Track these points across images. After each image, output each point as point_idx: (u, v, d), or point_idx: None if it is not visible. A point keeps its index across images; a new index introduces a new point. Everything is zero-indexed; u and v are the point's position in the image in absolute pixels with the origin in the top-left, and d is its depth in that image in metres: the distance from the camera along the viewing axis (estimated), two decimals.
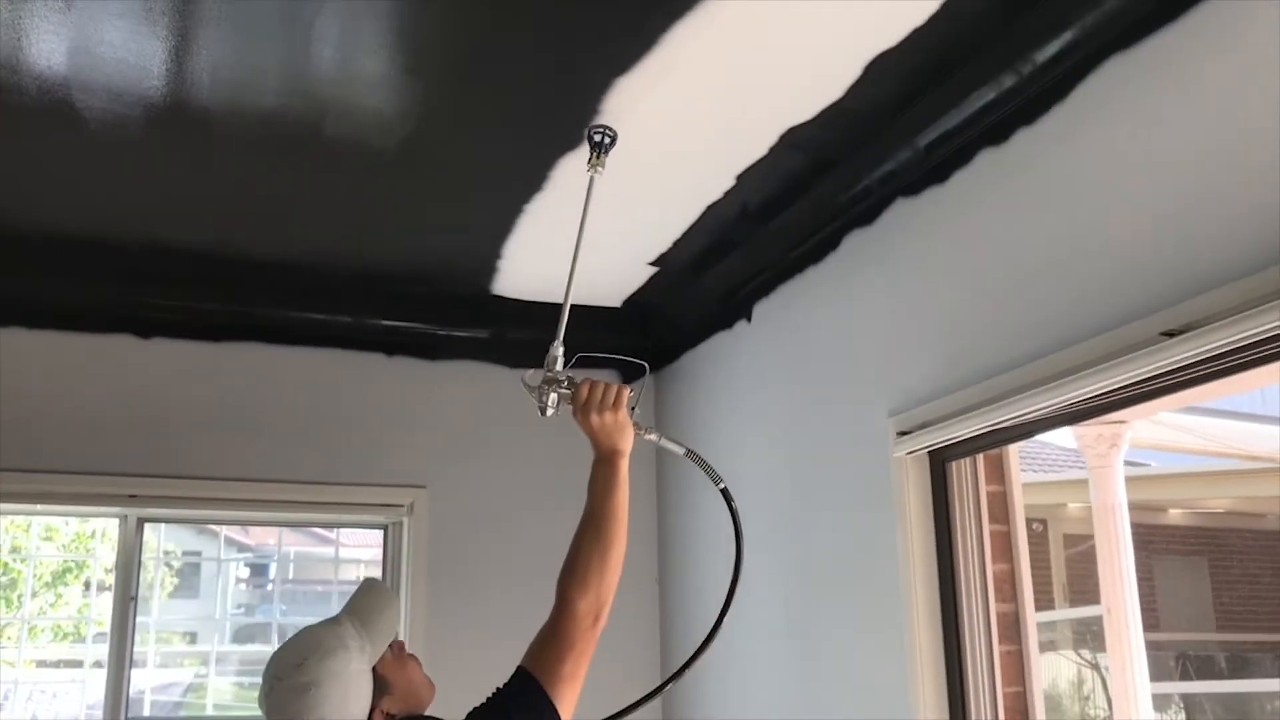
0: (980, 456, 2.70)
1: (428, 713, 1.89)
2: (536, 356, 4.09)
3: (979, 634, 2.63)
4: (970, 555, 2.67)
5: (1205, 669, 9.78)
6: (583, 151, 2.75)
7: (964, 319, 2.57)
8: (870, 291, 2.94)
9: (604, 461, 2.03)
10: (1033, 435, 2.54)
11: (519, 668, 1.84)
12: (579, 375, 2.17)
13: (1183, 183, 2.00)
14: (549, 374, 2.13)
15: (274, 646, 1.95)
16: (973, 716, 2.59)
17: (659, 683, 2.37)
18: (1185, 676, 9.52)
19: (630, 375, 3.87)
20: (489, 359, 4.05)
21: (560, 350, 2.18)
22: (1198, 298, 1.93)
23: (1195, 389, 2.14)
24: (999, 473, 2.76)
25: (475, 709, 1.81)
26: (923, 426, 2.64)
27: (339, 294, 3.77)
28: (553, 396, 2.12)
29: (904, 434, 2.71)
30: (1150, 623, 9.92)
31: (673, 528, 4.07)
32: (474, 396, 4.02)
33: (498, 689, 1.83)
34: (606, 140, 2.54)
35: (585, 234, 2.52)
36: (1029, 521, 10.29)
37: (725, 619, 2.18)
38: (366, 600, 1.87)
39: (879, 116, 2.59)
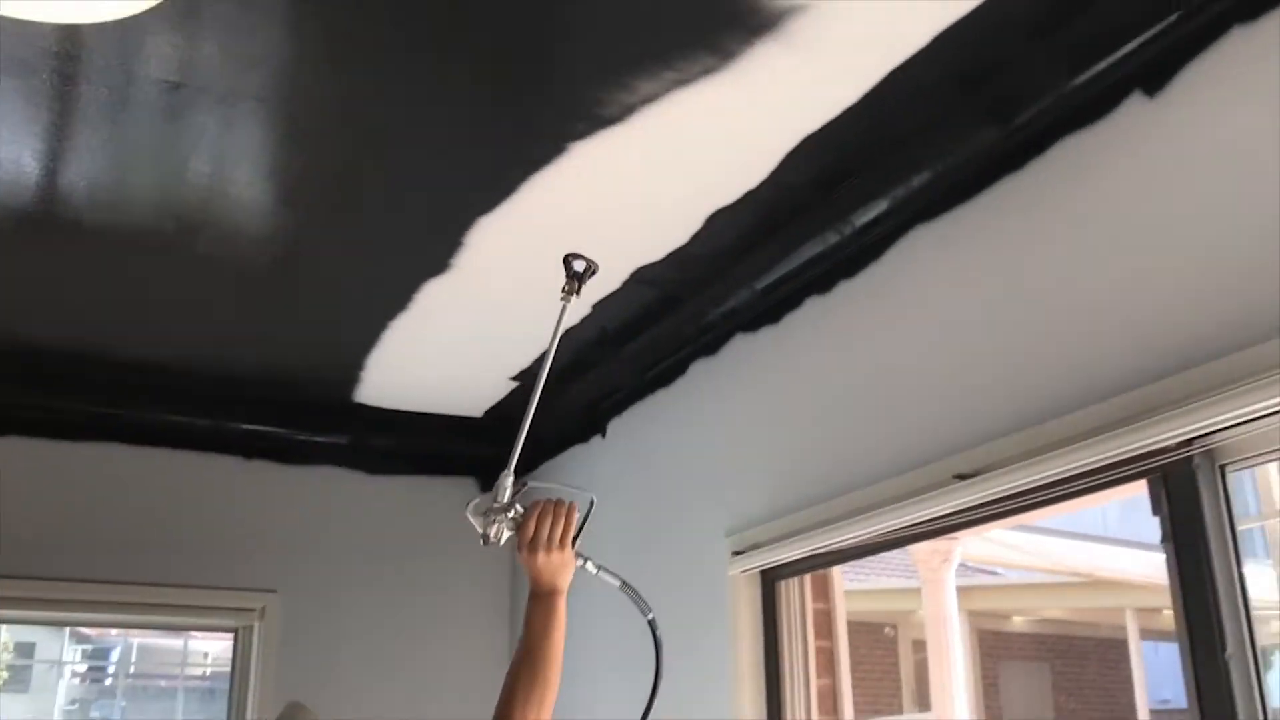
0: (807, 576, 2.90)
1: None
2: (394, 463, 4.23)
3: None
4: (796, 669, 2.86)
5: None
6: (445, 279, 2.94)
7: (791, 449, 2.80)
8: (712, 417, 3.16)
9: (542, 599, 1.83)
10: (853, 559, 2.76)
11: None
12: (522, 505, 1.94)
13: (974, 339, 2.27)
14: (496, 504, 1.88)
15: None
16: None
17: None
18: None
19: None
20: (348, 465, 4.14)
21: (510, 480, 1.89)
22: (986, 445, 2.18)
23: (991, 524, 2.40)
24: (824, 591, 2.97)
25: None
26: (755, 547, 2.84)
27: (200, 397, 3.81)
28: (496, 527, 1.87)
29: (738, 553, 2.90)
30: None
31: None
32: (331, 502, 4.08)
33: None
34: (591, 270, 2.30)
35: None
36: (881, 625, 10.47)
37: None
38: None
39: (720, 261, 2.83)
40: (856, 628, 9.26)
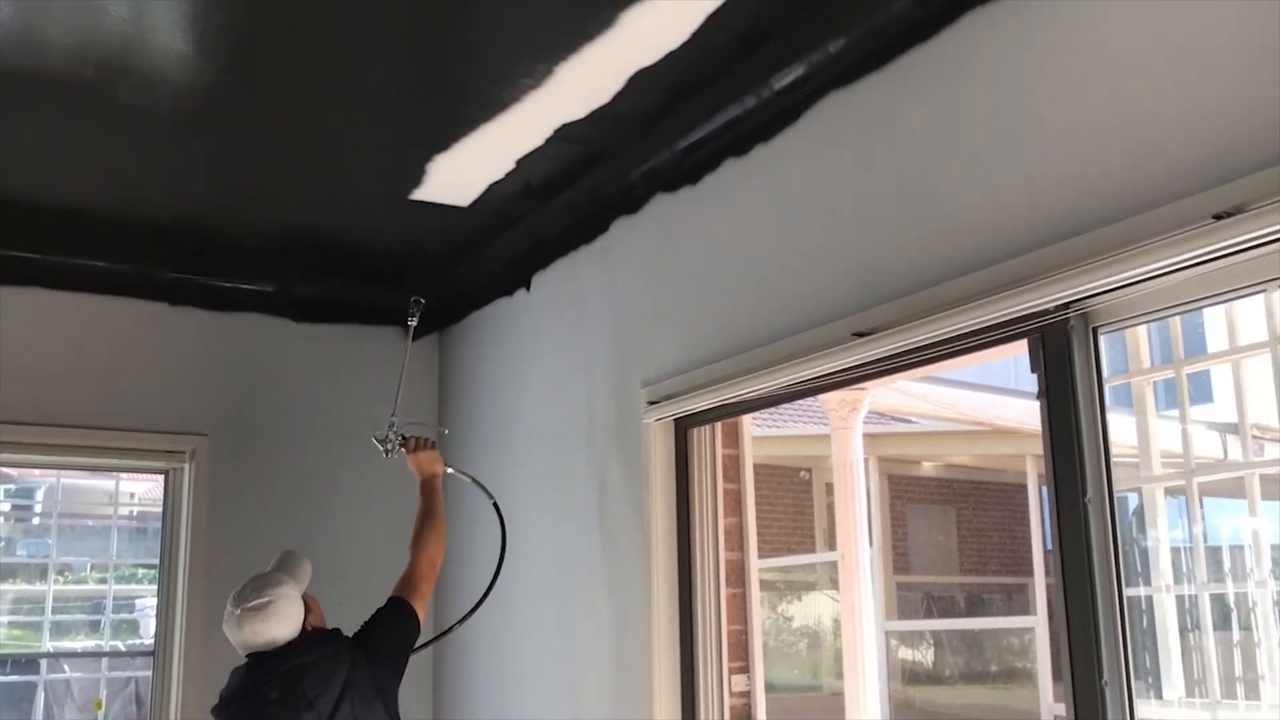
0: (718, 423, 3.07)
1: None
2: (319, 312, 4.28)
3: (709, 579, 3.02)
4: (705, 510, 3.05)
5: (948, 608, 10.80)
6: None
7: (704, 306, 2.93)
8: (631, 273, 3.26)
9: (427, 481, 3.05)
10: (760, 409, 2.93)
11: (391, 597, 2.72)
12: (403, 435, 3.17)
13: (877, 206, 2.38)
14: (390, 434, 3.16)
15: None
16: (699, 652, 2.99)
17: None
18: (929, 614, 10.48)
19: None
20: (274, 313, 4.18)
21: (395, 420, 3.18)
22: (884, 305, 2.32)
23: (886, 377, 2.57)
24: (734, 437, 3.15)
25: (356, 632, 2.60)
26: (669, 397, 3.00)
27: (122, 243, 3.80)
28: (391, 446, 3.16)
29: (653, 403, 3.06)
30: (901, 566, 10.87)
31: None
32: (257, 349, 4.14)
33: (375, 612, 2.66)
34: (418, 303, 3.36)
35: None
36: (798, 470, 10.77)
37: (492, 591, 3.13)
38: (289, 561, 2.65)
39: (642, 121, 2.89)
40: (774, 471, 9.62)
